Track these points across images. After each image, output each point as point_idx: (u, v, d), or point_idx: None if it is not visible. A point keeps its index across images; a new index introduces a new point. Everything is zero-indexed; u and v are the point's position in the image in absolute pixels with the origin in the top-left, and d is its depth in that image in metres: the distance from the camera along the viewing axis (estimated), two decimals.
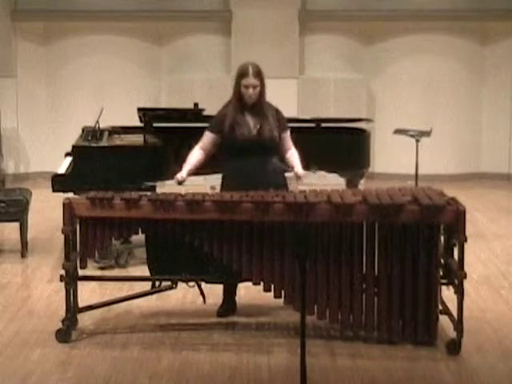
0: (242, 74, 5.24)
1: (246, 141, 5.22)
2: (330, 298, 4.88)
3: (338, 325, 4.96)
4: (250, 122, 5.27)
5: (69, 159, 6.81)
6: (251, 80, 5.21)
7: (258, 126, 5.25)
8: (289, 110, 9.46)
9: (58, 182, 6.42)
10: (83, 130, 7.30)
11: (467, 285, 4.98)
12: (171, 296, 5.57)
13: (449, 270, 4.99)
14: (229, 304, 5.45)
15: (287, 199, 4.83)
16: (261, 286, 4.94)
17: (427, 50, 10.25)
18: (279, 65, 10.08)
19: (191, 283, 5.28)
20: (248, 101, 5.25)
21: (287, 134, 5.42)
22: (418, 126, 8.13)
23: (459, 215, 4.74)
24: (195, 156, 5.36)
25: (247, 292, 5.55)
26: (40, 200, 7.85)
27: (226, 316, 5.39)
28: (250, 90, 5.21)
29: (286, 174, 5.39)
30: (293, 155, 5.40)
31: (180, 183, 5.30)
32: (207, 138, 5.36)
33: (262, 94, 5.27)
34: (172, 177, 6.74)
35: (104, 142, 6.82)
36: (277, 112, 5.38)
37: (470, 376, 4.53)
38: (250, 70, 5.22)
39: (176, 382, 4.47)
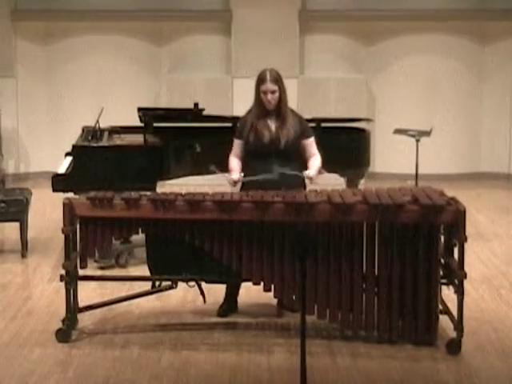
0: (260, 80, 5.29)
1: (263, 145, 5.25)
2: (330, 297, 4.88)
3: (338, 325, 4.97)
4: (271, 127, 5.30)
5: (69, 159, 6.81)
6: (269, 85, 5.24)
7: (280, 133, 5.27)
8: None
9: (58, 182, 6.42)
10: (83, 130, 7.30)
11: (467, 285, 4.99)
12: (171, 296, 5.57)
13: (449, 270, 4.99)
14: (230, 304, 5.45)
15: (287, 199, 4.84)
16: (261, 286, 4.94)
17: (427, 50, 10.25)
18: (279, 65, 9.95)
19: (191, 283, 5.28)
20: (268, 106, 5.27)
21: (311, 140, 5.41)
22: (417, 126, 8.12)
23: (459, 215, 4.74)
24: (235, 162, 5.37)
25: (247, 292, 5.55)
26: (40, 200, 7.85)
27: (227, 316, 5.39)
28: (269, 96, 5.25)
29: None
30: (313, 161, 5.39)
31: (235, 184, 5.29)
32: (236, 145, 5.40)
33: (281, 99, 5.29)
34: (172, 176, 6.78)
35: (104, 142, 6.82)
36: (300, 119, 5.40)
37: (470, 376, 4.54)
38: (268, 76, 5.27)
39: (176, 382, 4.47)
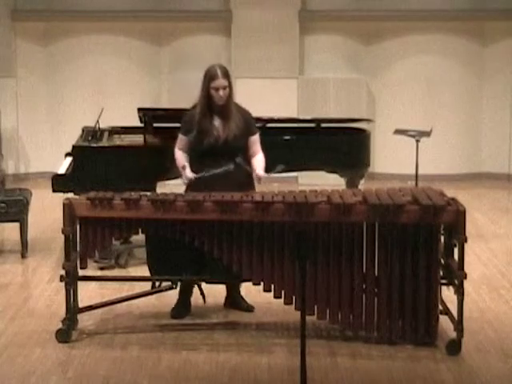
0: (211, 77, 5.24)
1: (212, 145, 5.22)
2: (330, 298, 4.88)
3: (338, 325, 4.97)
4: (218, 125, 5.27)
5: (69, 159, 6.81)
6: (221, 81, 5.21)
7: (225, 130, 5.24)
8: (289, 110, 9.59)
9: (58, 183, 6.42)
10: (83, 130, 7.30)
11: (467, 285, 4.98)
12: (171, 296, 5.56)
13: (449, 270, 4.99)
14: (183, 305, 5.42)
15: (287, 199, 4.84)
16: (261, 286, 4.94)
17: (427, 50, 10.25)
18: (279, 65, 10.08)
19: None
20: (218, 102, 5.24)
21: (256, 138, 5.39)
22: (418, 126, 8.12)
23: (459, 215, 4.74)
24: (183, 156, 5.36)
25: (247, 292, 5.55)
26: (40, 200, 7.85)
27: (181, 318, 5.36)
28: (221, 92, 5.22)
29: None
30: (257, 161, 5.36)
31: (190, 181, 5.24)
32: (182, 140, 5.39)
33: (230, 95, 5.27)
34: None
35: (104, 142, 6.82)
36: (246, 114, 5.38)
37: (469, 376, 4.54)
38: (219, 72, 5.23)
39: (176, 382, 4.47)
